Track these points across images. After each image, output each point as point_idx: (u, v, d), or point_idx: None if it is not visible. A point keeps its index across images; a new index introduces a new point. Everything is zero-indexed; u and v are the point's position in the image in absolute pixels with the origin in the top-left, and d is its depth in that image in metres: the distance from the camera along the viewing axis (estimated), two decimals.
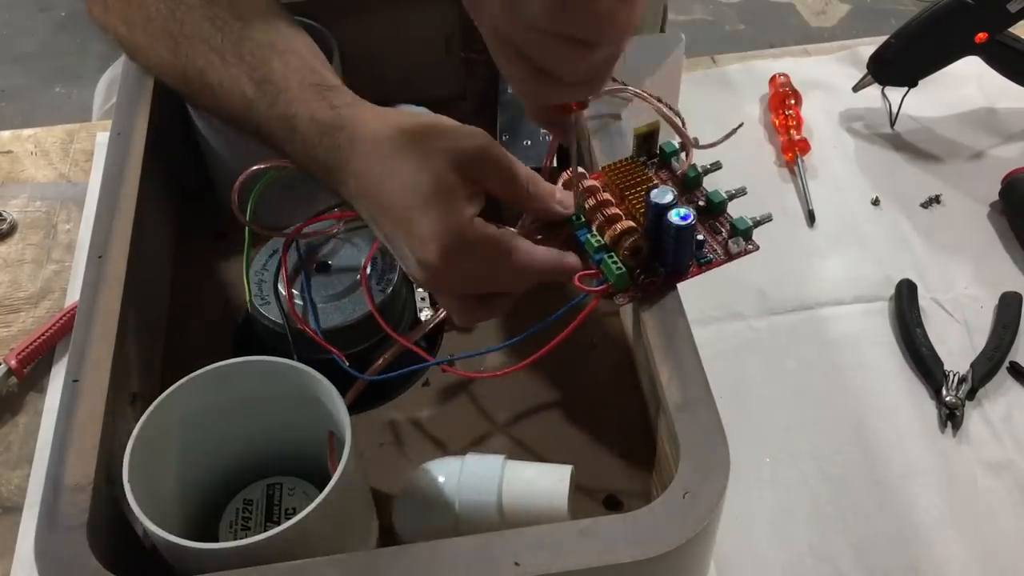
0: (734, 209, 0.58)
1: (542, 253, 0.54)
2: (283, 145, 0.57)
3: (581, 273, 0.54)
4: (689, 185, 0.59)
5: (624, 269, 0.53)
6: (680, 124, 0.65)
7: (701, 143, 0.65)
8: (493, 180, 0.53)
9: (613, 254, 0.54)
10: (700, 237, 0.56)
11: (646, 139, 0.60)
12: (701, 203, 0.58)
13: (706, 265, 0.56)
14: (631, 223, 0.54)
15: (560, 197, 0.57)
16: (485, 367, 0.66)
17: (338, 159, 0.53)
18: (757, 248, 0.57)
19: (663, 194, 0.52)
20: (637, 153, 0.60)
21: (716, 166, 0.60)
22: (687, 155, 0.61)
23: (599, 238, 0.55)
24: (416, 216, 0.50)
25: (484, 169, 0.52)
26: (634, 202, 0.55)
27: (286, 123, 0.56)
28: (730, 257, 0.56)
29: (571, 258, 0.55)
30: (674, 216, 0.52)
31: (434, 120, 0.53)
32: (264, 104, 0.57)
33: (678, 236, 0.52)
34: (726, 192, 0.58)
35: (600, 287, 0.54)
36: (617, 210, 0.55)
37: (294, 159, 0.57)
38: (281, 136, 0.57)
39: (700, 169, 0.59)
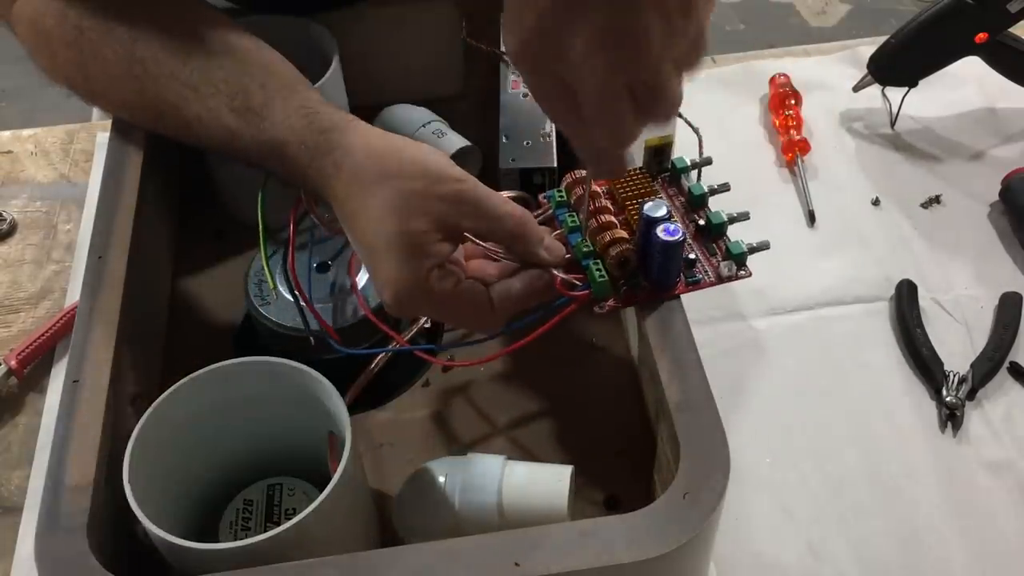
0: (738, 230, 0.57)
1: (516, 291, 0.53)
2: (272, 166, 0.57)
3: (564, 276, 0.54)
4: (694, 203, 0.58)
5: (607, 278, 0.53)
6: (698, 140, 0.64)
7: (696, 147, 0.65)
8: (470, 223, 0.52)
9: (600, 261, 0.54)
10: (692, 256, 0.56)
11: (657, 152, 0.59)
12: (701, 222, 0.57)
13: (693, 285, 0.55)
14: (623, 233, 0.54)
15: (548, 243, 0.54)
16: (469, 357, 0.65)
17: (325, 182, 0.54)
18: (749, 275, 0.56)
19: (657, 207, 0.52)
20: (647, 165, 0.60)
21: (724, 187, 0.59)
22: (699, 172, 0.60)
23: (589, 244, 0.55)
24: (378, 259, 0.51)
25: (460, 213, 0.51)
26: (633, 213, 0.55)
27: (275, 149, 0.56)
28: (720, 280, 0.56)
29: (547, 278, 0.54)
30: (662, 230, 0.51)
31: (415, 158, 0.52)
32: (249, 133, 0.56)
33: (664, 251, 0.52)
34: (728, 215, 0.57)
35: (581, 292, 0.54)
36: (612, 218, 0.55)
37: (282, 177, 0.57)
38: (270, 159, 0.57)
39: (707, 188, 0.59)
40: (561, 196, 0.59)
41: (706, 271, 0.56)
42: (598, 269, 0.53)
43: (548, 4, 0.43)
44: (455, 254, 0.53)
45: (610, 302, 0.54)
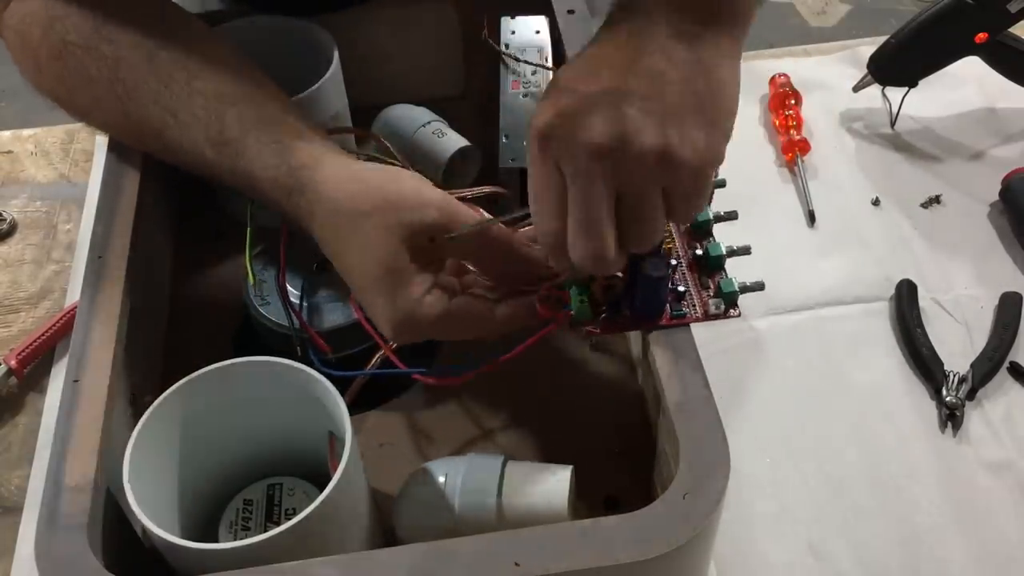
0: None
1: (501, 313, 0.53)
2: (254, 197, 0.57)
3: (547, 291, 0.53)
4: (697, 230, 0.57)
5: (586, 303, 0.53)
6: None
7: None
8: (454, 251, 0.53)
9: (587, 286, 0.53)
10: (682, 289, 0.55)
11: None
12: (699, 252, 0.56)
13: (678, 319, 0.54)
14: None
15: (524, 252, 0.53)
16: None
17: (303, 220, 0.54)
18: (738, 315, 0.55)
19: None
20: None
21: (732, 215, 0.58)
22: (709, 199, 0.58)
23: None
24: (369, 296, 0.52)
25: (440, 241, 0.52)
26: None
27: (250, 182, 0.56)
28: (707, 317, 0.55)
29: (529, 309, 0.53)
30: (648, 265, 0.50)
31: (386, 191, 0.52)
32: (226, 165, 0.56)
33: (647, 286, 0.51)
34: (728, 248, 0.56)
35: (562, 313, 0.53)
36: None
37: (264, 206, 0.57)
38: (250, 192, 0.57)
39: (712, 215, 0.57)
40: None
41: (694, 306, 0.55)
42: (580, 293, 0.53)
43: (589, 92, 0.44)
44: (443, 274, 0.54)
45: (590, 327, 0.54)
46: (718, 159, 0.47)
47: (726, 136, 0.48)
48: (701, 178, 0.47)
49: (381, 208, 0.51)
